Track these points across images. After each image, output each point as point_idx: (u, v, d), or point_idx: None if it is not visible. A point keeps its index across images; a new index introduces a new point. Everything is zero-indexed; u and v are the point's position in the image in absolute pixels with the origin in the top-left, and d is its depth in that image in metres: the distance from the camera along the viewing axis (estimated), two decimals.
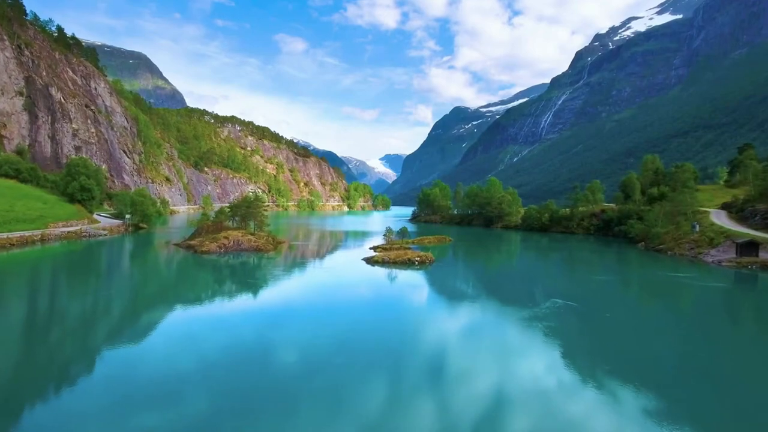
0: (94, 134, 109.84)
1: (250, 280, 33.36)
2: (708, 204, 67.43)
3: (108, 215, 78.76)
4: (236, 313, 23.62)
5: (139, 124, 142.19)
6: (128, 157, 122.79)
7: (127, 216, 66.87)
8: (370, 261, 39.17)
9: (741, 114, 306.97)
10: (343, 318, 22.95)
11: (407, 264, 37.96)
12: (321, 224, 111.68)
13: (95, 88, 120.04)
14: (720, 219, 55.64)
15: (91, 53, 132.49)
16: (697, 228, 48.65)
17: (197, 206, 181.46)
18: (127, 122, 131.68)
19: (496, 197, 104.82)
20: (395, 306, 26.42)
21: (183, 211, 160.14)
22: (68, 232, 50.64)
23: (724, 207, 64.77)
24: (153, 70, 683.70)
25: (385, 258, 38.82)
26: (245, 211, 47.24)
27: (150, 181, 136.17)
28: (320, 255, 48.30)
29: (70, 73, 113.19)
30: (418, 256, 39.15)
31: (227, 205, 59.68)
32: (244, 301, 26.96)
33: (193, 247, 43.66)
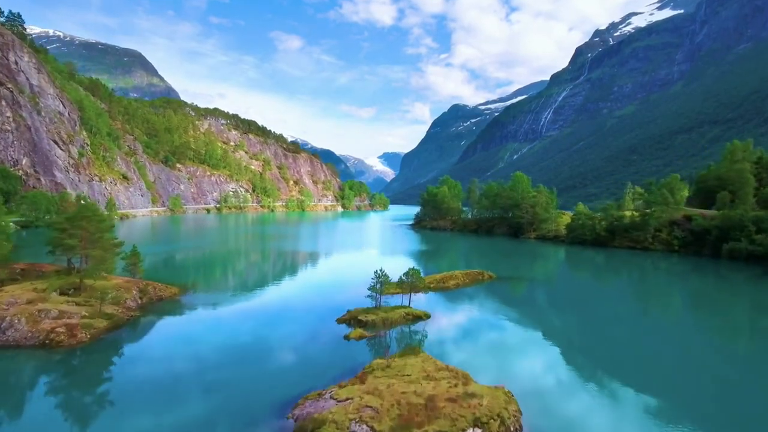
0: (11, 119, 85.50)
1: None
2: None
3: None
4: None
5: (86, 112, 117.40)
6: (61, 149, 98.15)
7: None
8: None
9: (747, 109, 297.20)
10: None
11: None
12: (292, 235, 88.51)
13: (16, 62, 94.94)
14: None
15: (14, 21, 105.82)
16: None
17: (164, 208, 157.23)
18: (64, 107, 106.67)
19: (527, 198, 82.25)
20: None
21: (144, 214, 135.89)
22: None
23: None
24: (147, 68, 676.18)
25: None
26: (71, 235, 20.06)
27: (97, 178, 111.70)
28: (201, 360, 19.26)
29: None
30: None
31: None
32: None
33: None
